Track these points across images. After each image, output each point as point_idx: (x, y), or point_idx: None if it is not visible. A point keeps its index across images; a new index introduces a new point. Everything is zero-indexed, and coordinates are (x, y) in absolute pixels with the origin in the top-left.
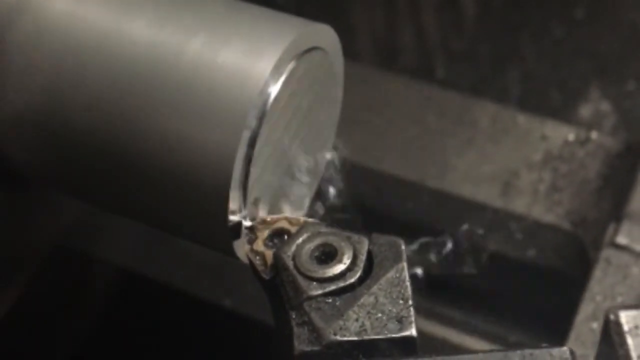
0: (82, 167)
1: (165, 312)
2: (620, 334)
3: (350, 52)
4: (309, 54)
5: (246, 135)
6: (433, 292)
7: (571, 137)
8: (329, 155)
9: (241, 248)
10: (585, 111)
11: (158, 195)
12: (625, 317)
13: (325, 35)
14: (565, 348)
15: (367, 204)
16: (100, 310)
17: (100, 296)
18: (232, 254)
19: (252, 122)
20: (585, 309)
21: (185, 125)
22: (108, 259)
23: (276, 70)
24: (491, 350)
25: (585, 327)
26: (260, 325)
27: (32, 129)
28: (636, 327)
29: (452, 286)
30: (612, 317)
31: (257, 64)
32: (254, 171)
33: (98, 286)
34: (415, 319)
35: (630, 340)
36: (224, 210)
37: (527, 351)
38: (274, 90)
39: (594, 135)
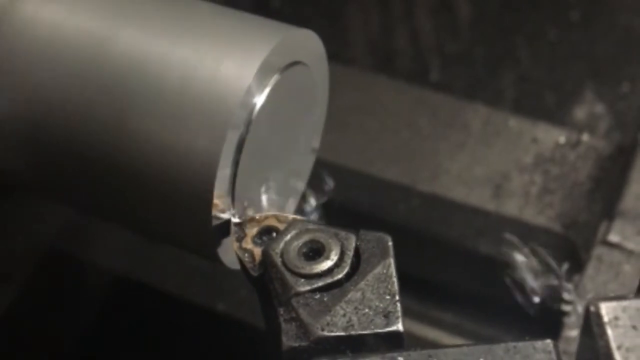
0: (66, 173)
1: (159, 316)
2: (601, 325)
3: (345, 55)
4: (293, 66)
5: (234, 139)
6: (424, 294)
7: (562, 139)
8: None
9: (226, 253)
10: (579, 113)
11: (143, 201)
12: (606, 309)
13: (308, 40)
14: (548, 340)
15: (359, 207)
16: (93, 315)
17: (93, 300)
18: (217, 259)
19: (239, 126)
20: (577, 307)
21: (169, 129)
22: (100, 263)
23: (261, 74)
24: (476, 344)
25: (578, 324)
26: (253, 329)
27: (15, 136)
28: (616, 318)
29: (443, 289)
30: (592, 308)
31: (241, 68)
32: (242, 173)
33: (90, 290)
34: (402, 315)
35: (610, 331)
36: (208, 216)
37: (511, 344)
38: (260, 100)
39: (585, 137)
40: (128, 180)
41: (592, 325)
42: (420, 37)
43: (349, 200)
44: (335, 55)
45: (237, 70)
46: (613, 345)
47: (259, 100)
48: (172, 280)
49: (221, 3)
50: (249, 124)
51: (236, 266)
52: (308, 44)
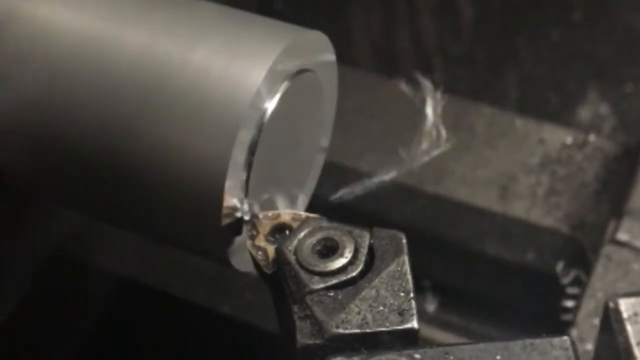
0: (73, 177)
1: (164, 319)
2: (620, 321)
3: (348, 57)
4: (303, 72)
5: (246, 142)
6: (430, 296)
7: (569, 140)
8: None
9: (235, 256)
10: (583, 114)
11: (152, 203)
12: (625, 305)
13: (318, 42)
14: (565, 337)
15: (364, 209)
16: (99, 318)
17: (98, 304)
18: (227, 262)
19: (251, 129)
20: (587, 306)
21: (178, 131)
22: (106, 267)
23: (272, 75)
24: (493, 341)
25: (587, 323)
26: (258, 332)
27: (21, 139)
28: (635, 314)
29: (449, 290)
30: (611, 305)
31: (251, 69)
32: (255, 174)
33: (96, 294)
34: (417, 312)
35: (629, 327)
36: (218, 218)
37: (528, 341)
38: (271, 105)
39: (591, 138)
40: (137, 182)
41: (611, 321)
42: (423, 38)
43: (353, 202)
44: (338, 56)
45: (247, 72)
46: (633, 341)
47: (270, 105)
48: (177, 283)
49: (226, 4)
50: (261, 127)
51: (245, 268)
52: (317, 45)
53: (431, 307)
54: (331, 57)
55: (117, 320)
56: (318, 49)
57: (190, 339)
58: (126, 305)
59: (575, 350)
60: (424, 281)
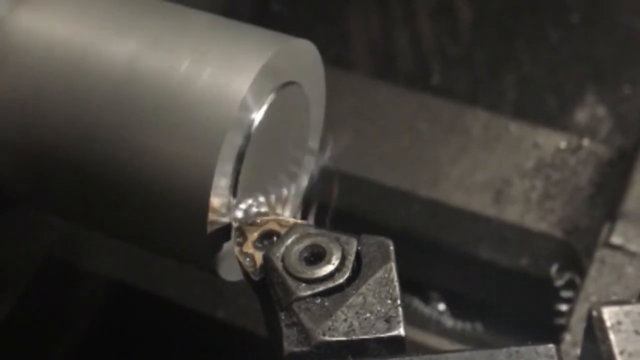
0: (61, 184)
1: (158, 324)
2: (603, 329)
3: (345, 59)
4: (291, 83)
5: (233, 150)
6: (425, 301)
7: (563, 144)
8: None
9: (221, 264)
10: (581, 116)
11: (139, 211)
12: (608, 313)
13: (305, 50)
14: (550, 345)
15: (359, 213)
16: (93, 323)
17: (93, 308)
18: (212, 270)
19: (238, 138)
20: (580, 309)
21: (165, 140)
22: (99, 271)
23: (258, 84)
24: (478, 349)
25: (580, 327)
26: (253, 337)
27: (9, 148)
28: (618, 322)
29: (444, 295)
30: (594, 313)
31: (238, 77)
32: (243, 181)
33: (90, 299)
34: (404, 319)
35: (612, 336)
36: (204, 226)
37: (513, 349)
38: (258, 116)
39: (585, 142)
40: (124, 189)
41: (594, 329)
42: (420, 40)
43: (349, 206)
44: (336, 59)
45: (234, 81)
46: (615, 350)
47: (257, 116)
48: (172, 288)
49: (222, 7)
50: (248, 136)
51: (232, 277)
52: (305, 54)
53: (424, 311)
54: (319, 65)
55: (111, 325)
56: (305, 58)
57: (184, 343)
58: (120, 310)
59: (560, 357)
60: (417, 285)
